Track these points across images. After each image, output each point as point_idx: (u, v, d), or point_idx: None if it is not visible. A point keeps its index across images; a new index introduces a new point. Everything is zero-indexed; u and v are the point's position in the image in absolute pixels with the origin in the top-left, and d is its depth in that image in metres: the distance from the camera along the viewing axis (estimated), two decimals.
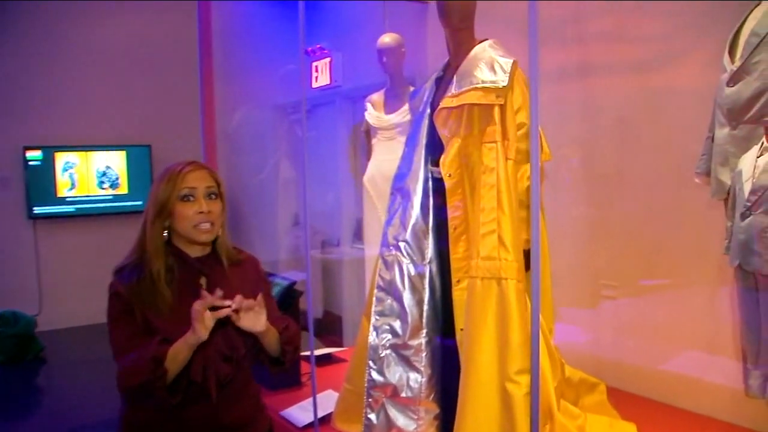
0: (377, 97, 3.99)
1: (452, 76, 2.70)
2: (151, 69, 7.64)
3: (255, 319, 1.87)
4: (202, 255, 1.99)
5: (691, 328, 3.22)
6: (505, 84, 2.53)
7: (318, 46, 5.76)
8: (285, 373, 3.30)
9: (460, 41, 2.74)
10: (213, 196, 1.95)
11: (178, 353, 1.77)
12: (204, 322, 1.75)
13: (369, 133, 4.03)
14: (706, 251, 3.15)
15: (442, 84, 2.83)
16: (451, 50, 2.79)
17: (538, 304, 1.81)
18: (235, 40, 6.30)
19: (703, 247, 3.16)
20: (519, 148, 2.56)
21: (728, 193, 2.58)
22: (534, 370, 1.83)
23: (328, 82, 5.74)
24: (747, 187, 2.21)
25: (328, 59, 5.71)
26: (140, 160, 7.61)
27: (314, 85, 5.92)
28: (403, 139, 3.78)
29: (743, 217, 2.21)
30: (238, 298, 1.82)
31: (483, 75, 2.58)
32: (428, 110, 2.83)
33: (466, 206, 2.64)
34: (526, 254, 2.56)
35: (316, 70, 5.88)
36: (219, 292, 1.79)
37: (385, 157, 3.83)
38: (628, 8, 3.42)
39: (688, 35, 3.20)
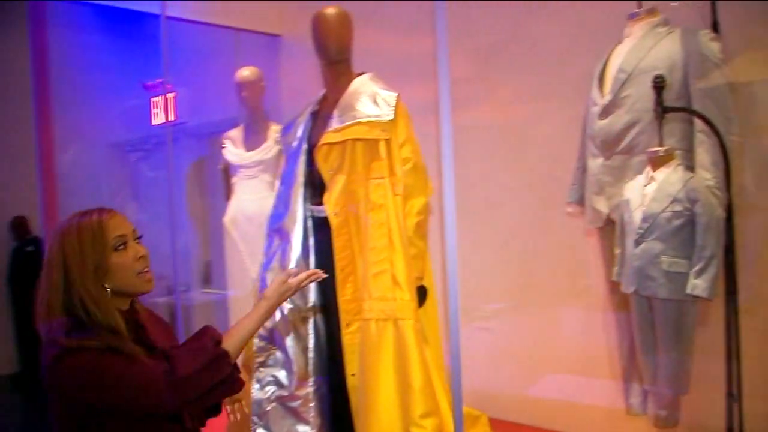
0: (236, 133, 3.79)
1: (331, 110, 2.60)
2: None
3: None
4: (128, 307, 1.72)
5: (565, 352, 3.29)
6: (390, 118, 2.47)
7: (159, 80, 5.43)
8: None
9: (338, 74, 2.64)
10: (139, 240, 1.71)
11: (248, 330, 1.74)
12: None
13: (228, 171, 3.81)
14: (575, 276, 3.26)
15: (319, 118, 2.71)
16: (329, 83, 2.68)
17: (456, 308, 1.73)
18: (75, 73, 5.79)
19: (573, 272, 3.26)
20: (406, 183, 2.50)
21: (605, 221, 2.68)
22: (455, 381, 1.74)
23: (173, 119, 5.41)
24: (638, 215, 2.28)
25: (172, 94, 5.39)
26: None
27: (155, 121, 5.56)
28: (266, 176, 3.63)
29: (637, 243, 2.28)
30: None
31: (366, 109, 2.50)
32: (305, 146, 2.70)
33: (353, 245, 2.52)
34: (418, 291, 2.49)
35: (156, 106, 5.53)
36: None
37: (248, 197, 3.64)
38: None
39: (550, 72, 3.34)
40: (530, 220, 3.37)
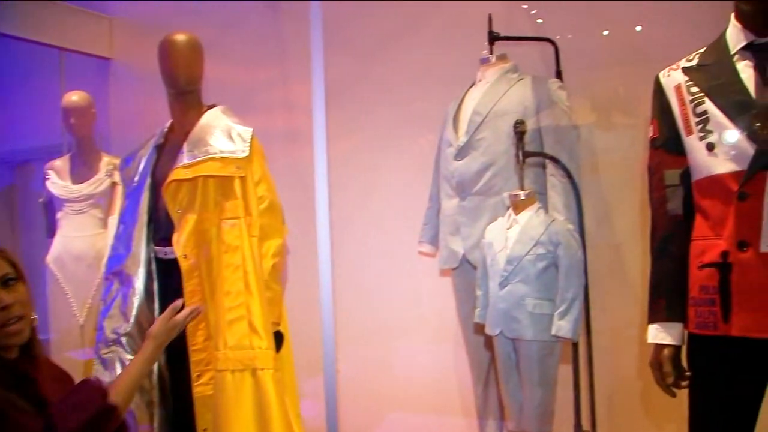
0: (61, 163, 3.44)
1: (180, 144, 2.41)
2: None
3: None
4: (17, 355, 1.50)
5: (417, 390, 3.28)
6: (245, 154, 2.33)
7: None
8: None
9: (188, 105, 2.47)
10: (10, 283, 1.47)
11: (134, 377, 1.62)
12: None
13: (51, 205, 3.44)
14: (426, 315, 3.27)
15: (165, 152, 2.51)
16: (177, 114, 2.50)
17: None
18: None
19: (424, 310, 3.27)
20: (262, 223, 2.37)
21: (460, 261, 2.70)
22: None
23: None
24: (502, 258, 2.31)
25: None
26: None
27: None
28: (96, 212, 3.34)
29: (502, 286, 2.29)
30: None
31: (220, 144, 2.35)
32: (149, 181, 2.48)
33: (204, 290, 2.34)
34: (274, 338, 2.36)
35: None
36: None
37: (76, 234, 3.31)
38: None
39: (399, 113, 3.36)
40: (378, 256, 3.34)
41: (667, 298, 1.74)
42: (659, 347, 1.74)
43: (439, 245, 2.86)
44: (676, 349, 1.73)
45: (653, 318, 1.76)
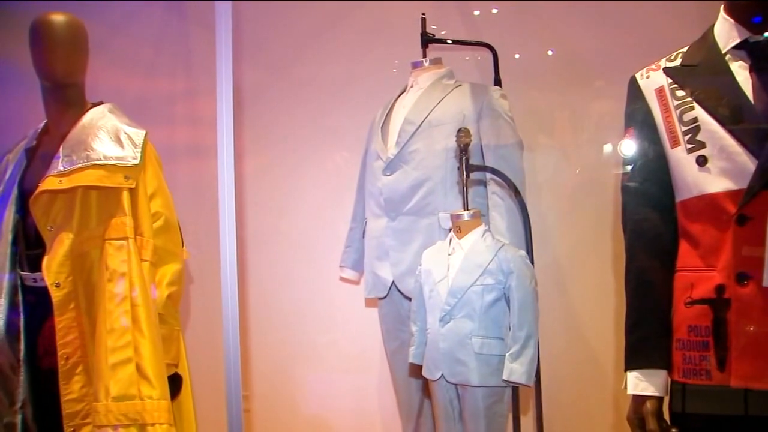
0: None
1: (56, 148, 1.98)
2: None
3: None
4: None
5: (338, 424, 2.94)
6: (136, 162, 1.94)
7: None
8: None
9: (67, 102, 2.04)
10: None
11: None
12: None
13: None
14: (347, 348, 2.94)
15: (37, 157, 2.07)
16: (53, 113, 2.06)
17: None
18: None
19: (345, 343, 2.94)
20: (156, 245, 1.97)
21: (389, 290, 2.37)
22: None
23: None
24: (443, 288, 1.96)
25: None
26: None
27: None
28: None
29: (443, 322, 1.95)
30: None
31: (105, 148, 1.94)
32: (15, 192, 2.04)
33: (83, 326, 1.92)
34: (171, 381, 1.95)
35: None
36: None
37: None
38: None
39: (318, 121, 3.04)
40: (296, 280, 2.98)
41: (648, 340, 1.47)
42: (639, 399, 1.46)
43: (365, 271, 2.53)
44: (660, 401, 1.45)
45: (632, 364, 1.48)
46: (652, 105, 1.49)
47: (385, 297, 2.42)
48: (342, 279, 2.73)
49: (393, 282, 2.35)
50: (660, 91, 1.48)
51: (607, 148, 2.64)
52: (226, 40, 1.61)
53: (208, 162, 3.08)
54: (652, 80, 1.50)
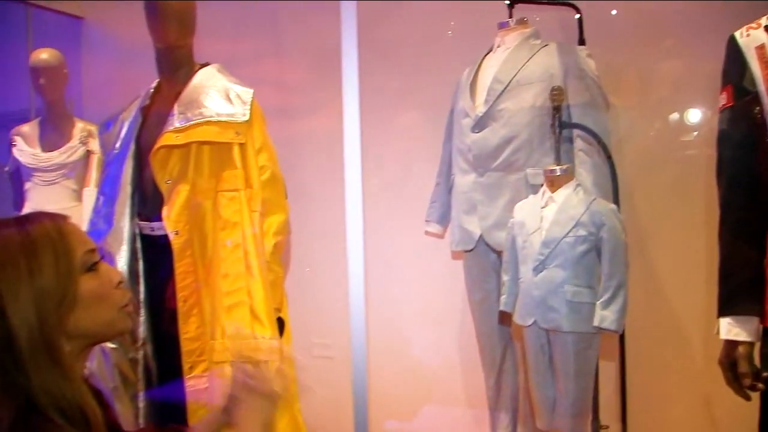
0: (29, 129, 3.11)
1: (170, 106, 2.12)
2: None
3: None
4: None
5: (422, 382, 3.05)
6: (246, 118, 2.06)
7: None
8: None
9: (178, 62, 2.18)
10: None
11: None
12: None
13: (17, 175, 3.12)
14: (431, 299, 3.04)
15: (151, 115, 2.22)
16: (166, 73, 2.21)
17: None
18: None
19: (428, 294, 3.04)
20: (264, 197, 2.10)
21: (476, 243, 2.46)
22: None
23: None
24: (536, 240, 2.06)
25: None
26: None
27: None
28: (70, 183, 3.04)
29: (536, 271, 2.05)
30: None
31: (217, 106, 2.07)
32: (133, 148, 2.19)
33: (197, 272, 2.07)
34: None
35: None
36: None
37: (46, 207, 2.99)
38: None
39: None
40: (377, 234, 3.09)
41: (741, 288, 1.53)
42: (732, 344, 1.53)
43: (452, 225, 2.62)
44: (751, 346, 1.52)
45: (725, 311, 1.55)
46: (751, 62, 1.52)
47: (472, 250, 2.51)
48: (427, 233, 2.83)
49: (481, 235, 2.44)
50: (760, 49, 1.51)
51: (689, 107, 2.64)
52: (352, 40, 1.68)
53: (294, 122, 3.23)
54: (753, 38, 1.53)
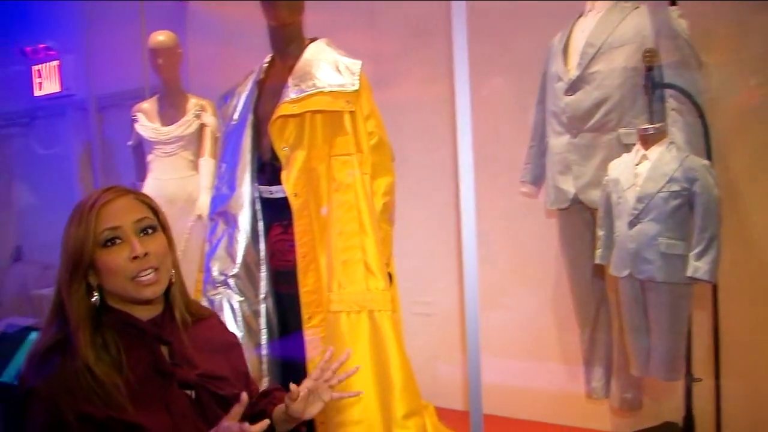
0: (149, 105, 3.39)
1: (283, 79, 2.31)
2: None
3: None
4: (156, 315, 1.39)
5: (513, 335, 3.19)
6: (355, 88, 2.22)
7: (42, 45, 4.85)
8: None
9: (290, 38, 2.35)
10: (149, 231, 1.35)
11: None
12: None
13: (141, 148, 3.40)
14: (522, 256, 3.16)
15: (266, 88, 2.41)
16: (278, 48, 2.39)
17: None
18: None
19: (520, 253, 3.16)
20: (372, 160, 2.27)
21: (570, 202, 2.57)
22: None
23: (58, 90, 4.86)
24: (631, 195, 2.17)
25: (55, 62, 4.84)
26: None
27: (38, 93, 4.98)
28: (186, 154, 3.29)
29: (631, 225, 2.16)
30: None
31: (328, 77, 2.24)
32: (250, 118, 2.40)
33: (314, 230, 2.26)
34: None
35: (39, 75, 4.95)
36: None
37: (167, 176, 3.27)
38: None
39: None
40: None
41: None
42: None
43: (547, 185, 2.73)
44: None
45: None
46: None
47: (567, 209, 2.62)
48: (522, 193, 2.94)
49: (575, 194, 2.54)
50: None
51: None
52: (462, 40, 1.77)
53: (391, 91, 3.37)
54: None
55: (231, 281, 2.34)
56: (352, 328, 2.13)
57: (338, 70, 2.25)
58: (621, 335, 2.49)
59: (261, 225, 2.38)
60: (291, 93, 2.25)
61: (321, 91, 2.21)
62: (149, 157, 3.33)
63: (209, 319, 1.54)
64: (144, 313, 1.37)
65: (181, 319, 1.43)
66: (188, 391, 1.36)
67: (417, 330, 3.40)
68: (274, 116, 2.24)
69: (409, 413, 2.06)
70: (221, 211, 2.41)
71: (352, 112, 2.23)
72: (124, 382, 1.26)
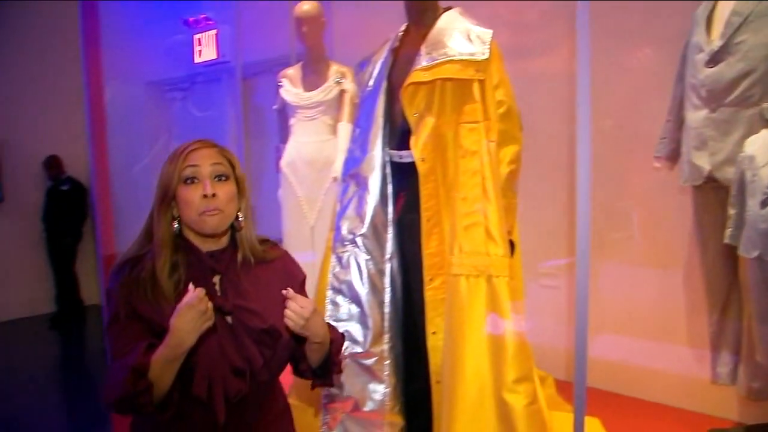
0: (294, 72, 3.57)
1: (417, 47, 2.38)
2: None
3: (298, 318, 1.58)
4: (216, 249, 1.65)
5: (639, 314, 3.12)
6: (485, 56, 2.25)
7: (202, 16, 5.20)
8: None
9: (424, 7, 2.42)
10: (223, 178, 1.61)
11: (162, 360, 1.44)
12: (186, 326, 1.42)
13: (284, 112, 3.60)
14: (653, 235, 3.07)
15: (401, 55, 2.49)
16: (414, 17, 2.46)
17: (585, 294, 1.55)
18: (120, 7, 5.57)
19: (651, 231, 3.07)
20: (500, 128, 2.30)
21: (705, 179, 2.47)
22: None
23: (214, 57, 5.21)
24: (765, 174, 2.07)
25: (213, 31, 5.18)
26: None
27: (197, 60, 5.36)
28: (327, 119, 3.44)
29: (764, 204, 2.07)
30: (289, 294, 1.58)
31: (459, 46, 2.28)
32: (384, 85, 2.49)
33: (439, 195, 2.33)
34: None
35: (200, 44, 5.32)
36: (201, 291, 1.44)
37: (307, 140, 3.44)
38: None
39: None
40: (606, 173, 3.15)
41: None
42: None
43: (682, 160, 2.63)
44: None
45: None
46: None
47: (701, 186, 2.52)
48: (655, 168, 2.85)
49: (710, 171, 2.45)
50: None
51: None
52: (585, 39, 1.75)
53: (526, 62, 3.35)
54: None
55: (359, 240, 2.46)
56: (471, 292, 2.19)
57: (469, 39, 2.28)
58: (749, 320, 2.38)
59: (390, 188, 2.48)
60: (423, 61, 2.31)
61: (452, 60, 2.26)
62: (292, 121, 3.51)
63: (275, 261, 1.74)
64: (209, 246, 1.63)
65: (243, 257, 1.66)
66: (227, 318, 1.58)
67: (542, 300, 3.41)
68: (406, 83, 2.32)
69: (519, 378, 2.09)
70: (353, 173, 2.53)
71: (481, 81, 2.26)
72: (178, 297, 1.48)
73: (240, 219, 1.66)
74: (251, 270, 1.66)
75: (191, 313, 1.41)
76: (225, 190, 1.60)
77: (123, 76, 5.88)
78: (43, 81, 6.80)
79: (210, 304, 1.45)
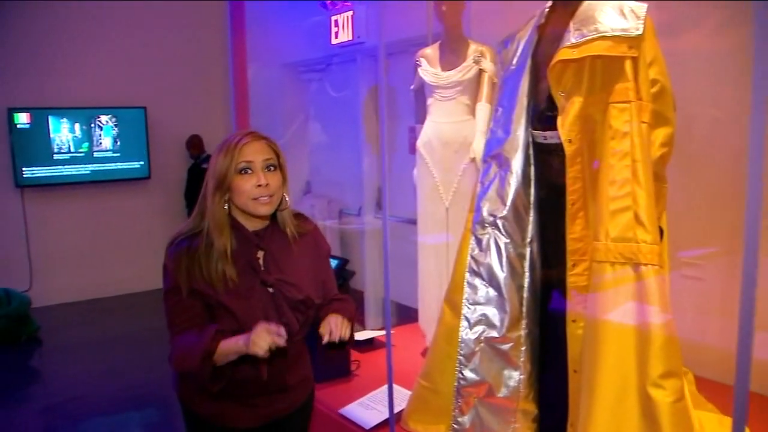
0: (431, 51, 3.53)
1: (564, 23, 2.28)
2: (149, 28, 7.11)
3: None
4: (260, 228, 1.94)
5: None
6: (639, 32, 2.12)
7: None
8: (333, 363, 2.97)
9: None
10: (272, 168, 1.90)
11: (229, 352, 1.76)
12: (262, 344, 1.69)
13: (421, 92, 3.58)
14: None
15: (547, 33, 2.40)
16: None
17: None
18: None
19: None
20: (653, 109, 2.17)
21: None
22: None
23: (350, 38, 5.27)
24: None
25: (350, 12, 5.23)
26: (135, 123, 7.07)
27: (334, 41, 5.45)
28: (464, 99, 3.38)
29: None
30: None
31: (611, 21, 2.16)
32: (529, 63, 2.41)
33: (585, 178, 2.23)
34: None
35: (336, 25, 5.40)
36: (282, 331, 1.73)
37: (444, 120, 3.40)
38: None
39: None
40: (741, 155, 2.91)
41: None
42: None
43: None
44: None
45: None
46: None
47: None
48: None
49: None
50: None
51: None
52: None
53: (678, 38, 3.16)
54: None
55: (499, 222, 2.42)
56: (616, 280, 2.09)
57: (622, 14, 2.16)
58: None
59: (533, 170, 2.41)
60: (572, 38, 2.21)
61: (603, 36, 2.15)
62: (429, 101, 3.48)
63: (309, 233, 2.03)
64: (254, 225, 1.92)
65: (291, 235, 1.96)
66: (270, 289, 1.87)
67: (684, 292, 3.23)
68: (553, 61, 2.22)
69: (666, 373, 1.97)
70: (495, 154, 2.48)
71: (634, 58, 2.14)
72: (227, 272, 1.80)
73: (286, 200, 1.96)
74: (288, 245, 1.95)
75: (269, 338, 1.68)
76: (275, 179, 1.88)
77: (263, 58, 6.09)
78: (189, 66, 7.19)
79: (283, 329, 1.71)
